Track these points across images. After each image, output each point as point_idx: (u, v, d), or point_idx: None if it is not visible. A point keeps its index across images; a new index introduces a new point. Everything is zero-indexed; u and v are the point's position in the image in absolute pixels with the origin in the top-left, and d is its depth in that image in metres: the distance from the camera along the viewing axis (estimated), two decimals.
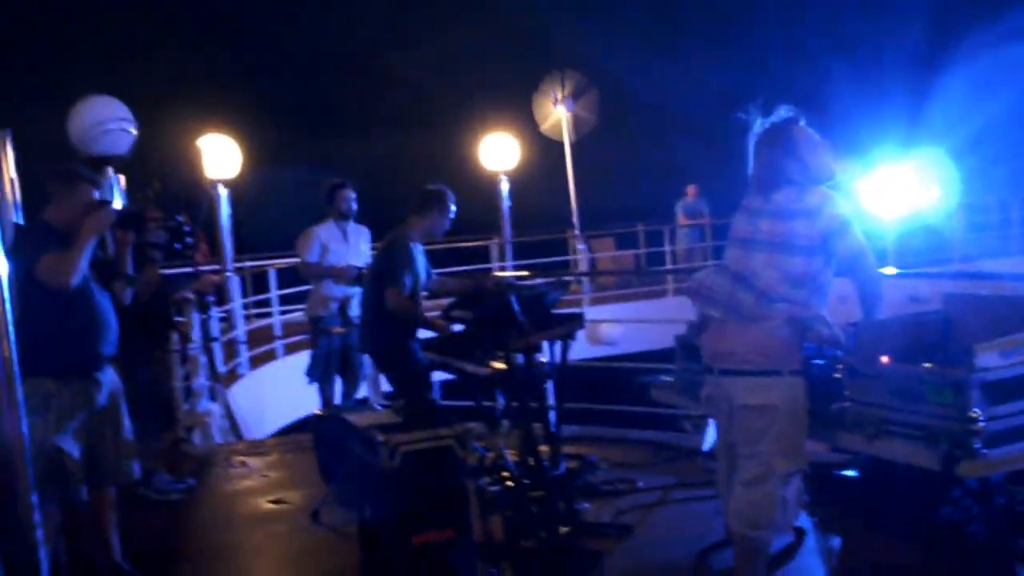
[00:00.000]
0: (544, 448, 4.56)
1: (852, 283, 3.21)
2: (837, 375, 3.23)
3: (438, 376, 5.22)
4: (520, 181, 14.18)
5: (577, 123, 15.99)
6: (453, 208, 5.13)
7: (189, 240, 5.70)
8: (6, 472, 2.47)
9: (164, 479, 5.55)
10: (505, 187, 13.57)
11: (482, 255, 14.13)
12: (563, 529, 4.21)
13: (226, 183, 10.68)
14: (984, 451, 2.72)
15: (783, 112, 3.28)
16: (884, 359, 3.09)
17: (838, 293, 3.28)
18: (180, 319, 6.08)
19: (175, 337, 6.04)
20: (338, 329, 6.31)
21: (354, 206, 6.51)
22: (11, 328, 2.49)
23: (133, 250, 4.46)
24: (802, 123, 3.25)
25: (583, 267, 14.91)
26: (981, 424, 2.72)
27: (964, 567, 3.64)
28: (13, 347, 2.49)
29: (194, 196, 8.58)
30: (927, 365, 2.93)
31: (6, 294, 2.50)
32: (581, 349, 11.83)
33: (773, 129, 3.25)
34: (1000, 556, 3.66)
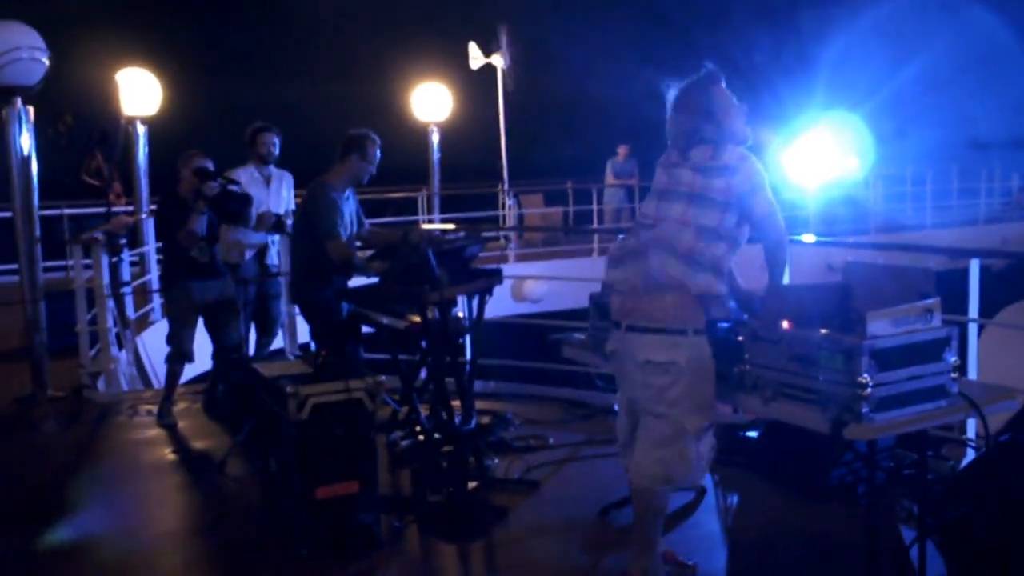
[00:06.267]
0: (456, 403, 4.58)
1: (761, 244, 3.27)
2: (740, 338, 3.29)
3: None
4: (452, 133, 14.03)
5: (511, 75, 15.88)
6: (377, 153, 5.03)
7: (234, 207, 5.72)
8: None
9: None
10: (436, 138, 13.42)
11: (410, 206, 14.02)
12: (471, 484, 4.25)
13: (144, 120, 10.34)
14: (871, 416, 2.81)
15: (705, 70, 3.29)
16: (785, 324, 3.16)
17: (758, 261, 3.33)
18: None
19: None
20: (252, 279, 6.19)
21: (275, 151, 6.35)
22: None
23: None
24: (722, 84, 3.27)
25: (511, 222, 14.90)
26: (869, 390, 2.80)
27: (851, 526, 3.79)
28: None
29: (109, 132, 8.31)
30: (823, 331, 3.00)
31: None
32: (505, 305, 11.93)
33: (693, 86, 3.27)
34: (884, 516, 3.82)
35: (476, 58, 15.34)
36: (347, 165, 4.94)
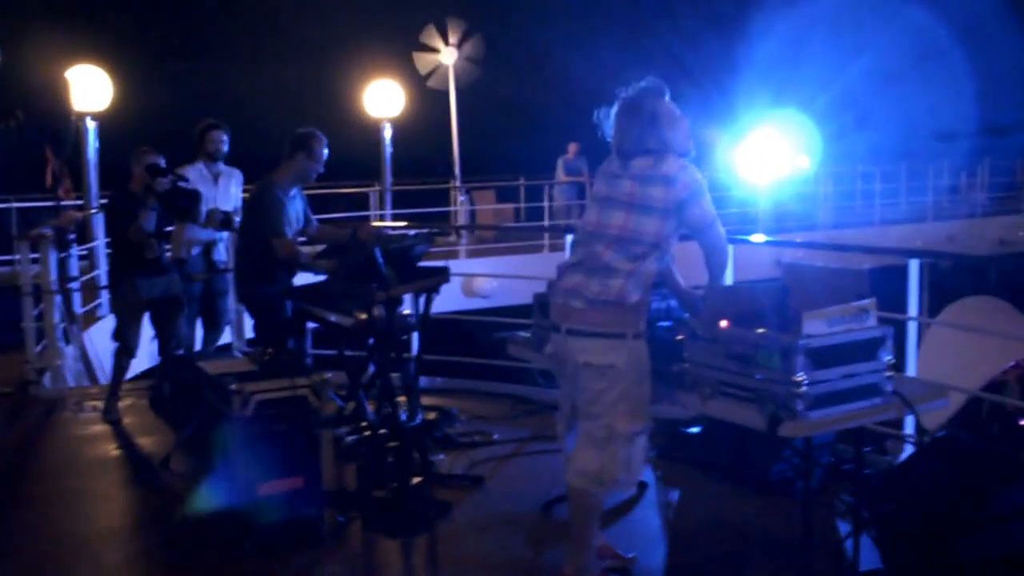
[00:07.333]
0: (402, 399, 4.59)
1: (701, 248, 3.32)
2: (679, 337, 3.35)
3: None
4: (404, 128, 13.99)
5: (462, 71, 15.88)
6: (324, 152, 5.02)
7: (184, 203, 5.62)
8: None
9: None
10: (388, 134, 13.37)
11: (362, 202, 13.95)
12: (415, 479, 4.26)
13: (95, 116, 10.17)
14: (806, 413, 2.87)
15: (648, 83, 3.34)
16: (724, 323, 3.23)
17: (700, 260, 3.38)
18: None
19: None
20: (199, 276, 6.13)
21: (224, 148, 6.29)
22: None
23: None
24: (666, 97, 3.31)
25: (463, 218, 14.89)
26: (804, 388, 2.86)
27: (790, 521, 3.86)
28: None
29: (60, 128, 8.17)
30: (761, 331, 3.06)
31: None
32: (456, 301, 11.91)
33: (636, 99, 3.31)
34: (822, 511, 3.90)
35: (426, 62, 15.31)
36: (294, 163, 4.92)
